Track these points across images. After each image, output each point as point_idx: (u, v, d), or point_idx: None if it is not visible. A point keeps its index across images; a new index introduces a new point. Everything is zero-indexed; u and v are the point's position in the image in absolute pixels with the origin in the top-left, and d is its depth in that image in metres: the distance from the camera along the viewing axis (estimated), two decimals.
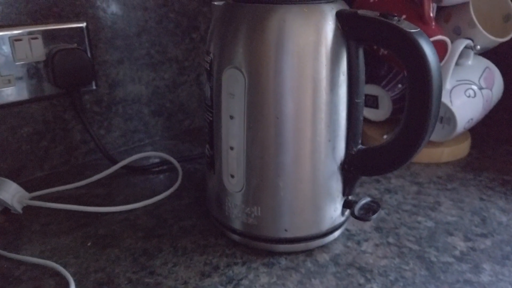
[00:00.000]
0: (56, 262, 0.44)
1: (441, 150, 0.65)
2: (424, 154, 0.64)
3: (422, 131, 0.38)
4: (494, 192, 0.57)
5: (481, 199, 0.55)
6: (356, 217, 0.44)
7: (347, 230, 0.49)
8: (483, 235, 0.48)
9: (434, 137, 0.64)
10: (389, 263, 0.44)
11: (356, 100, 0.42)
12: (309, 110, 0.39)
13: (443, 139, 0.64)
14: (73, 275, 0.42)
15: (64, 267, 0.43)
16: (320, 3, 0.39)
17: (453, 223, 0.50)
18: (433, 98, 0.36)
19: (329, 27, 0.38)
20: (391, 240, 0.47)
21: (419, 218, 0.51)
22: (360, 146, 0.44)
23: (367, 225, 0.50)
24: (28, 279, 0.42)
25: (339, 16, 0.39)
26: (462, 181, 0.60)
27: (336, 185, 0.44)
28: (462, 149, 0.67)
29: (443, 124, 0.63)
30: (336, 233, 0.47)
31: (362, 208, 0.45)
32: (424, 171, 0.63)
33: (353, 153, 0.43)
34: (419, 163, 0.65)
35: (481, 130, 0.75)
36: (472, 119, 0.64)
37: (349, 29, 0.39)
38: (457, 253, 0.45)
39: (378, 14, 0.37)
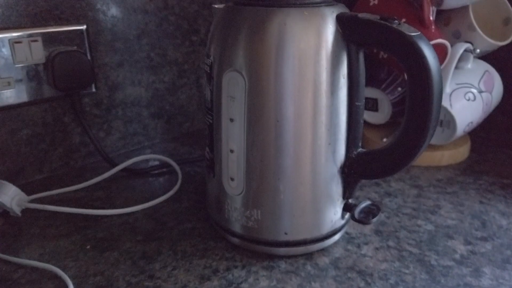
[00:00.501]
0: (55, 265, 0.43)
1: (441, 153, 0.65)
2: (424, 157, 0.64)
3: (422, 134, 0.38)
4: (494, 196, 0.57)
5: (481, 202, 0.55)
6: (356, 220, 0.44)
7: (347, 233, 0.49)
8: (483, 239, 0.48)
9: (434, 140, 0.64)
10: (389, 266, 0.44)
11: (357, 103, 0.42)
12: (310, 113, 0.39)
13: (443, 142, 0.64)
14: (72, 278, 0.42)
15: (63, 270, 0.43)
16: (321, 6, 0.39)
17: (453, 227, 0.50)
18: (433, 101, 0.36)
19: (330, 30, 0.39)
20: (391, 243, 0.47)
21: (419, 222, 0.51)
22: (360, 149, 0.44)
23: (367, 229, 0.50)
24: (27, 282, 0.42)
25: (340, 19, 0.39)
26: (462, 185, 0.60)
27: (336, 188, 0.44)
28: (462, 153, 0.67)
29: (443, 127, 0.63)
30: (336, 237, 0.47)
31: (362, 211, 0.45)
32: (424, 174, 0.63)
33: (353, 156, 0.43)
34: (419, 166, 0.65)
35: (481, 134, 0.75)
36: (472, 122, 0.64)
37: (349, 32, 0.39)
38: (457, 256, 0.45)
39: (379, 18, 0.37)
